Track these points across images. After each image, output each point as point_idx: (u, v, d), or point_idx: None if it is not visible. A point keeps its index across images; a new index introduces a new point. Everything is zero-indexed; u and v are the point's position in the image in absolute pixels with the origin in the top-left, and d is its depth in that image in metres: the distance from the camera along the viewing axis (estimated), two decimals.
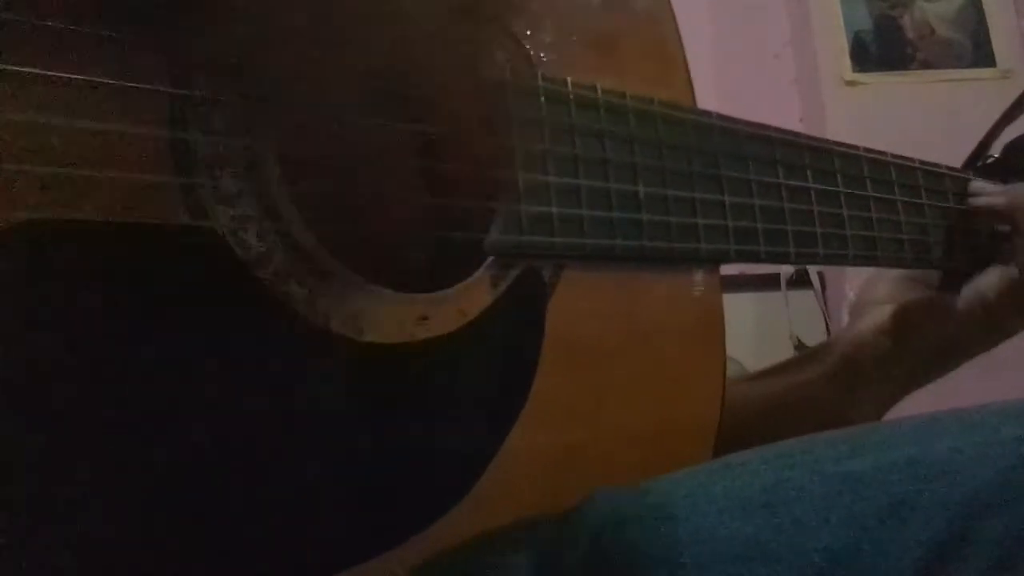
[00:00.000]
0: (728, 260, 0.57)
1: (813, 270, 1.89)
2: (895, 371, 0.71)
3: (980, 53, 2.26)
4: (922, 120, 1.99)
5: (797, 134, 0.62)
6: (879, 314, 0.72)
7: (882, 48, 2.27)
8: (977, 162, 0.74)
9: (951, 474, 0.40)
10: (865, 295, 0.76)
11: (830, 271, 1.93)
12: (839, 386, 0.71)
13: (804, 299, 1.86)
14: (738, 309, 1.85)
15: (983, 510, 0.39)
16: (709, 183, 0.55)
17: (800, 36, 2.31)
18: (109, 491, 0.35)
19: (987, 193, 0.71)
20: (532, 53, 0.51)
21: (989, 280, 0.68)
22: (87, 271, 0.36)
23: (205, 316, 0.38)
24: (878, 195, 0.65)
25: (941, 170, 0.71)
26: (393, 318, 0.43)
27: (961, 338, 0.70)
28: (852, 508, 0.40)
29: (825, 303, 1.87)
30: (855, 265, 0.66)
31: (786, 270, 1.87)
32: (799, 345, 1.75)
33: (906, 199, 0.67)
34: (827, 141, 0.63)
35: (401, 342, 0.43)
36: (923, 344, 0.70)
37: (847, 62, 2.24)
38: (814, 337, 1.71)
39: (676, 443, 0.53)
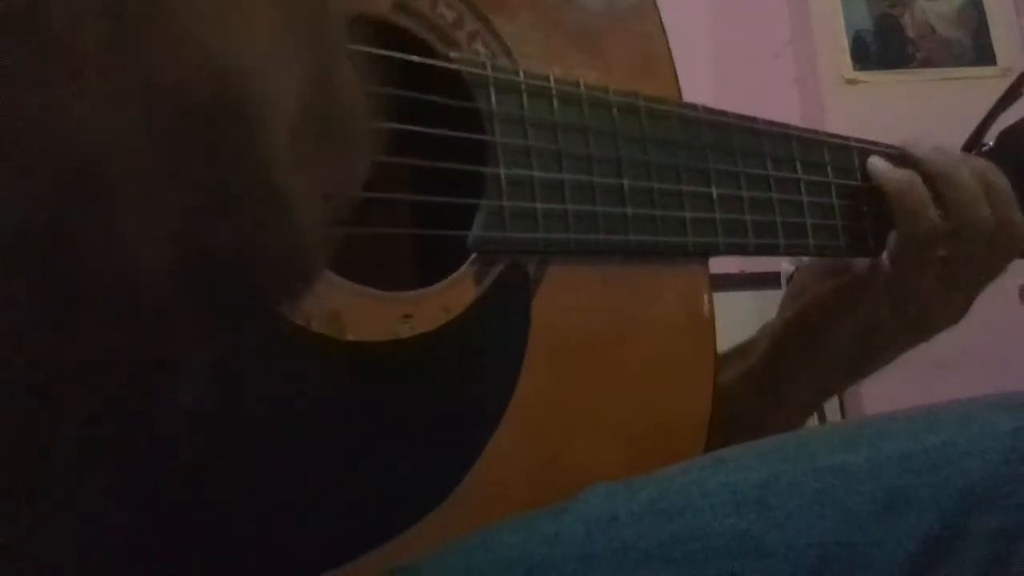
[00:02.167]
0: (717, 253, 0.56)
1: None
2: (813, 368, 0.68)
3: (980, 52, 2.26)
4: (922, 119, 1.98)
5: (785, 125, 0.61)
6: (790, 308, 0.70)
7: (882, 47, 2.28)
8: (972, 151, 0.74)
9: (945, 467, 0.40)
10: (791, 288, 0.73)
11: None
12: (760, 388, 0.69)
13: None
14: (738, 309, 1.84)
15: (978, 503, 0.39)
16: (696, 176, 0.55)
17: (800, 36, 2.32)
18: (89, 490, 0.35)
19: (884, 171, 0.66)
20: (513, 48, 0.50)
21: (886, 251, 0.65)
22: None
23: None
24: (868, 185, 0.65)
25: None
26: (375, 316, 0.43)
27: (874, 323, 0.66)
28: (846, 502, 0.40)
29: None
30: (848, 256, 0.65)
31: (786, 269, 1.86)
32: None
33: None
34: (816, 132, 0.63)
35: (384, 340, 0.43)
36: (837, 335, 0.68)
37: (847, 61, 2.24)
38: None
39: (667, 438, 0.53)
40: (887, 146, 0.67)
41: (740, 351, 0.72)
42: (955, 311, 0.67)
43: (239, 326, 0.27)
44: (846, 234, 0.63)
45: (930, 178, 0.64)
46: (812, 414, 0.70)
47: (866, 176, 0.65)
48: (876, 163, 0.65)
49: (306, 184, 0.26)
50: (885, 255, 0.65)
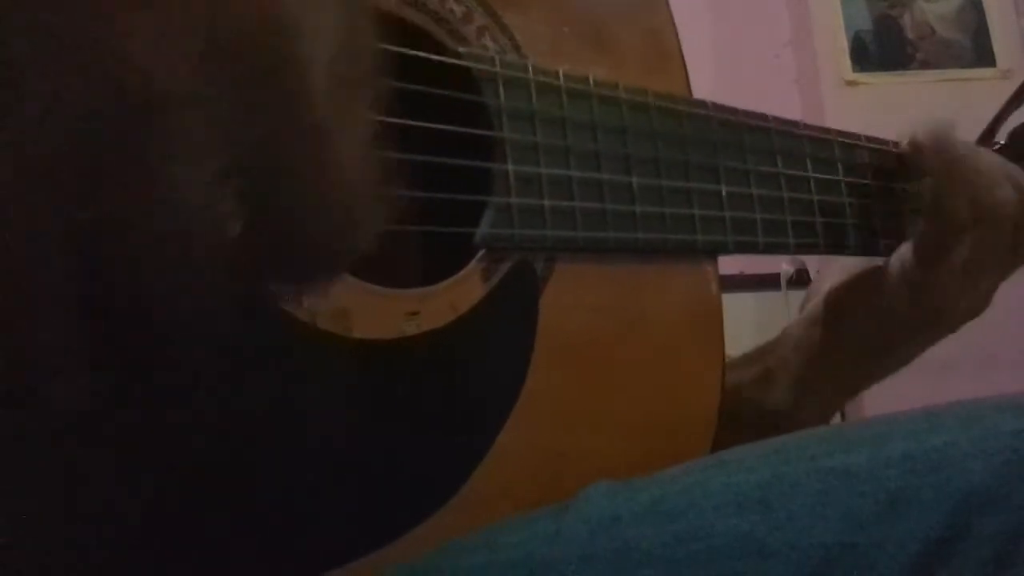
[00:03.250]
0: (726, 251, 0.56)
1: (813, 269, 1.89)
2: (836, 362, 0.68)
3: (980, 53, 2.26)
4: (922, 119, 1.98)
5: (795, 123, 0.61)
6: (810, 306, 0.70)
7: (882, 48, 2.27)
8: None
9: (947, 468, 0.40)
10: (812, 287, 0.73)
11: None
12: (775, 382, 0.69)
13: None
14: (738, 309, 1.84)
15: (980, 504, 0.39)
16: (705, 173, 0.55)
17: (800, 36, 2.32)
18: (90, 488, 0.35)
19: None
20: (523, 43, 0.50)
21: (907, 242, 0.65)
22: None
23: None
24: (877, 183, 0.64)
25: None
26: (382, 314, 0.43)
27: (893, 311, 0.65)
28: (848, 503, 0.40)
29: None
30: (856, 255, 0.65)
31: (785, 271, 1.87)
32: None
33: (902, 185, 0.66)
34: (826, 130, 0.63)
35: (391, 338, 0.43)
36: (857, 326, 0.67)
37: (847, 62, 2.24)
38: None
39: (675, 436, 0.53)
40: (895, 144, 0.67)
41: (763, 350, 0.72)
42: (979, 301, 0.66)
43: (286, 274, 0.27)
44: (856, 233, 0.63)
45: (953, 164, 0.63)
46: (835, 414, 0.70)
47: (876, 174, 0.65)
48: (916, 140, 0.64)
49: (348, 135, 0.26)
50: (907, 245, 0.64)
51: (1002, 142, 0.74)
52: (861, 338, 0.68)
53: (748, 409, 0.67)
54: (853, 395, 0.73)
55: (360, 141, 0.28)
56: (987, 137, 0.74)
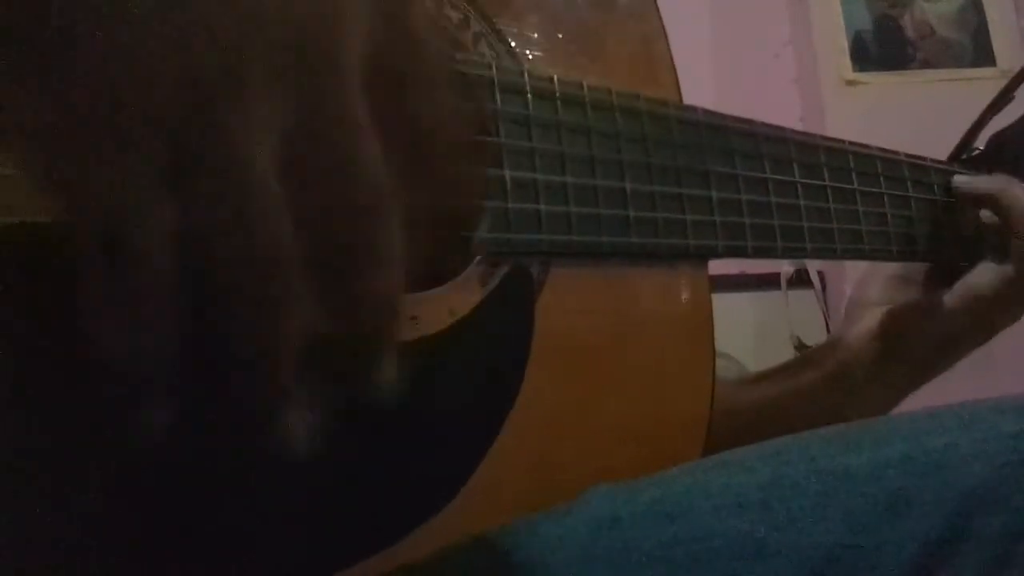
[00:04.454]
0: (716, 255, 0.56)
1: (813, 270, 1.89)
2: (891, 375, 0.70)
3: (980, 53, 2.26)
4: (922, 120, 1.98)
5: (783, 129, 0.61)
6: (871, 318, 0.72)
7: (882, 48, 2.27)
8: (962, 155, 0.74)
9: (948, 470, 0.40)
10: (857, 295, 0.75)
11: (830, 270, 1.93)
12: (836, 392, 0.71)
13: (804, 299, 1.85)
14: (738, 309, 1.85)
15: (980, 506, 0.39)
16: (696, 179, 0.55)
17: (800, 36, 2.31)
18: (94, 488, 0.35)
19: (971, 180, 0.70)
20: (518, 50, 0.50)
21: (982, 277, 0.68)
22: None
23: None
24: (864, 188, 0.65)
25: (927, 163, 0.71)
26: None
27: (954, 335, 0.69)
28: (848, 504, 0.40)
29: (825, 303, 1.87)
30: (843, 259, 0.65)
31: (786, 270, 1.87)
32: (799, 345, 1.74)
33: (892, 192, 0.67)
34: (813, 136, 0.63)
35: None
36: (917, 346, 0.70)
37: (847, 62, 2.24)
38: (814, 337, 1.71)
39: (667, 439, 0.53)
40: (880, 149, 0.67)
41: (807, 359, 0.74)
42: (1021, 308, 0.69)
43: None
44: (842, 237, 0.63)
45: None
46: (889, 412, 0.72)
47: (862, 179, 0.65)
48: (964, 177, 0.69)
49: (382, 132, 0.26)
50: (975, 280, 0.67)
51: (980, 148, 0.74)
52: (922, 353, 0.70)
53: (807, 411, 0.70)
54: (903, 397, 0.75)
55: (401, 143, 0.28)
56: (967, 142, 0.74)
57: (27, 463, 0.33)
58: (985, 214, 0.70)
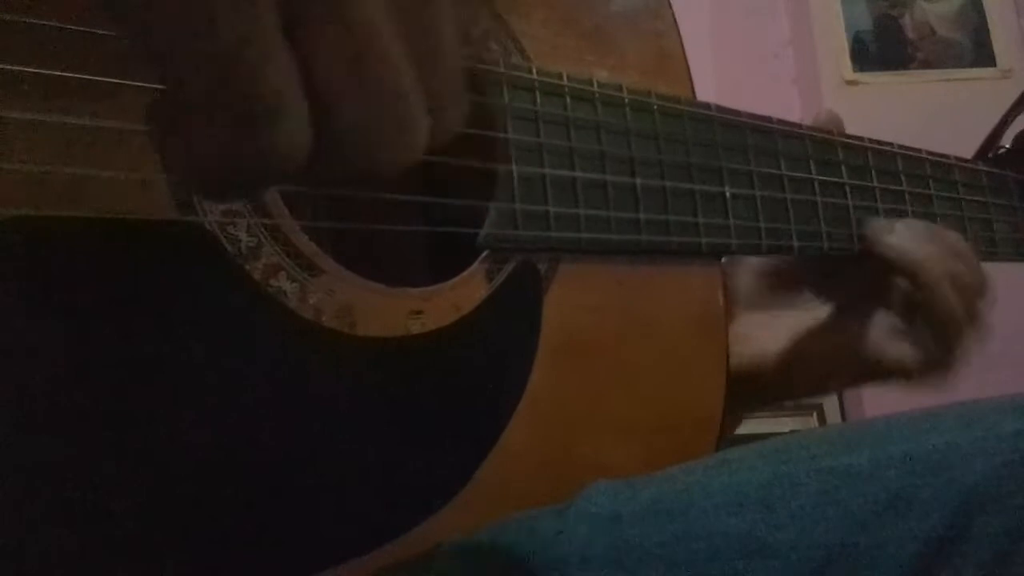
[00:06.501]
0: (729, 253, 0.56)
1: None
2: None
3: (980, 53, 2.26)
4: (922, 120, 1.98)
5: (799, 125, 0.61)
6: (769, 337, 0.64)
7: (882, 48, 2.27)
8: (988, 153, 0.74)
9: (948, 469, 0.40)
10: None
11: None
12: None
13: None
14: None
15: (980, 504, 0.39)
16: (709, 175, 0.55)
17: (800, 36, 2.31)
18: (100, 488, 0.35)
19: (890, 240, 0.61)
20: (527, 46, 0.50)
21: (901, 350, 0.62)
22: (78, 268, 0.36)
23: (196, 311, 0.38)
24: (883, 186, 0.64)
25: (950, 161, 0.69)
26: (386, 312, 0.43)
27: (842, 364, 0.63)
28: (849, 503, 0.40)
29: None
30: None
31: None
32: None
33: (913, 190, 0.65)
34: (829, 131, 0.63)
35: (395, 336, 0.43)
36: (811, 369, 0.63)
37: (847, 62, 2.24)
38: None
39: (678, 436, 0.53)
40: (900, 146, 0.66)
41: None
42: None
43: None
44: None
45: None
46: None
47: (881, 178, 0.64)
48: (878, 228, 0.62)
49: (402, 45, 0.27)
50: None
51: (1007, 146, 0.73)
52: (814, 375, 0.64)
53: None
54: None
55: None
56: (992, 141, 0.74)
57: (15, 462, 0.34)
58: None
